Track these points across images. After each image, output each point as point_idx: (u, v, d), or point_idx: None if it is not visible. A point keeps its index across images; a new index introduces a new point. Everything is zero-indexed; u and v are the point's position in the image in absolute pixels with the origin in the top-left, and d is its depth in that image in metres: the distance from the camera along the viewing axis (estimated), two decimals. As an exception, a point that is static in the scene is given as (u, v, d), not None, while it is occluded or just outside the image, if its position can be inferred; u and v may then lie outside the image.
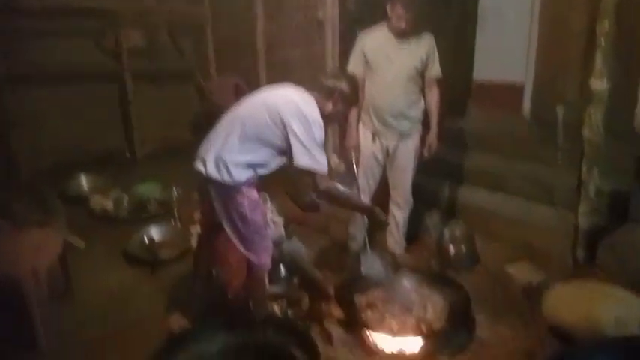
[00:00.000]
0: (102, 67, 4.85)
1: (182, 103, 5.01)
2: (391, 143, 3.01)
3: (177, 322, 2.50)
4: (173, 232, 3.52)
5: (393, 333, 2.33)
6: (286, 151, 2.18)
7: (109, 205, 3.93)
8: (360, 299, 2.57)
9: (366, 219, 3.00)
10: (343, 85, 2.28)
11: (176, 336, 2.30)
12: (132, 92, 4.93)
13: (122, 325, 2.58)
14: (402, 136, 3.00)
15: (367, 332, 2.35)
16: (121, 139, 5.10)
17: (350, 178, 3.06)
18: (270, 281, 2.66)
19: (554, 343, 2.28)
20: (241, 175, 2.15)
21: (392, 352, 2.30)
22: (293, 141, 2.12)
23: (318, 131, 2.16)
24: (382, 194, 3.22)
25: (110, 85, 4.93)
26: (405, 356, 2.29)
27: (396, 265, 2.96)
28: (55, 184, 4.19)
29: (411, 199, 3.18)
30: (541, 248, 3.10)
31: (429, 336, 2.30)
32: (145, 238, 3.31)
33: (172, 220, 3.74)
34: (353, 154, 3.04)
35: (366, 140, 3.05)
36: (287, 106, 2.16)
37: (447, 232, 3.25)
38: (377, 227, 2.46)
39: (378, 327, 2.37)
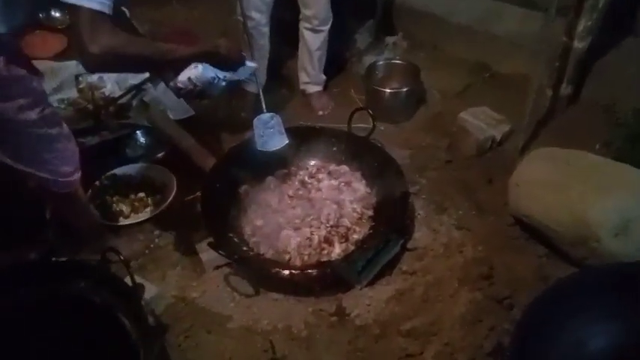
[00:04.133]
0: None
1: None
2: None
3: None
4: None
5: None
6: None
7: None
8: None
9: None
10: None
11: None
12: None
13: None
14: None
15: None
16: None
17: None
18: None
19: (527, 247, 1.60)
20: None
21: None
22: None
23: None
24: (284, 9, 2.10)
25: None
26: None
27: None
28: None
29: (329, 13, 2.09)
30: (510, 79, 2.22)
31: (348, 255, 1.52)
32: None
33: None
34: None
35: None
36: None
37: (380, 61, 2.26)
38: (231, 68, 1.39)
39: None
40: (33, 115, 1.21)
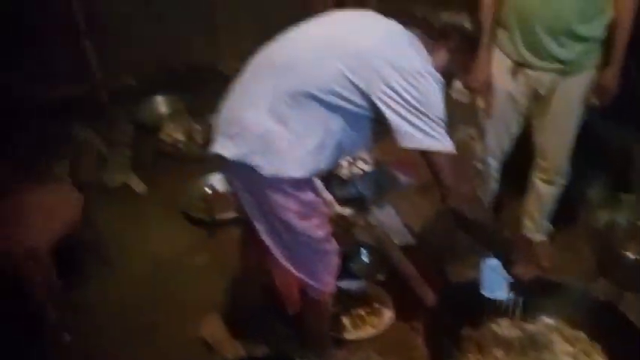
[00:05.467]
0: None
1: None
2: (544, 80, 1.88)
3: (212, 329, 1.88)
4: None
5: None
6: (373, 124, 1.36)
7: (180, 137, 3.36)
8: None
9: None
10: (465, 22, 1.38)
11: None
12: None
13: (151, 317, 2.05)
14: (566, 69, 1.84)
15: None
16: (210, 51, 4.43)
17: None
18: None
19: None
20: (293, 165, 1.30)
21: None
22: (394, 106, 1.26)
23: (435, 90, 1.29)
24: (521, 158, 2.16)
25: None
26: None
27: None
28: (129, 108, 3.69)
29: (567, 168, 2.08)
30: None
31: None
32: (206, 189, 2.69)
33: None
34: (479, 96, 1.99)
35: (501, 73, 1.93)
36: (380, 47, 1.29)
37: (620, 221, 2.12)
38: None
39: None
40: (321, 233, 1.42)
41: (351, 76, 1.26)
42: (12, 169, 2.18)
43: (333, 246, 1.49)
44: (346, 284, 2.05)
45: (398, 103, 1.26)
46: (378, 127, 1.38)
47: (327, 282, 1.52)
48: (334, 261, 1.52)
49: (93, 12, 3.63)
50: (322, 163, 1.34)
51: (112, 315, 2.07)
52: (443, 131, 1.31)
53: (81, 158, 3.10)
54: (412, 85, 1.26)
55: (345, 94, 1.28)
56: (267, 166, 1.28)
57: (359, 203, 2.44)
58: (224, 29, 4.19)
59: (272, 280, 1.68)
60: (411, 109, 1.26)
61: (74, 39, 3.65)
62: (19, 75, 3.41)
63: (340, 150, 1.37)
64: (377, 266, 2.15)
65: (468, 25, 1.40)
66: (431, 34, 1.36)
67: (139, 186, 2.94)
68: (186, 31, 4.20)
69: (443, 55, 1.39)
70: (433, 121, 1.28)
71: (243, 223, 1.67)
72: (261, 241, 1.48)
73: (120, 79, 3.96)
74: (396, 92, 1.25)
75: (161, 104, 3.82)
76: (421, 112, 1.27)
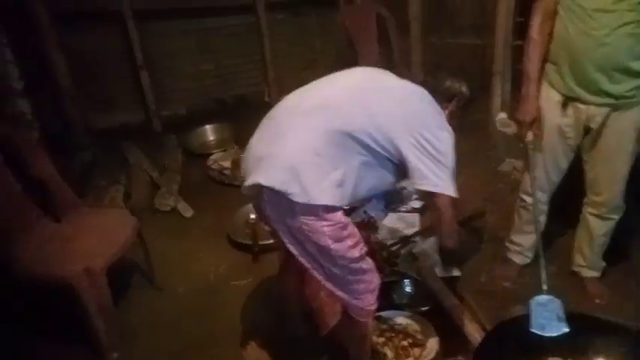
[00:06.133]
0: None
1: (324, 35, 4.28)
2: (595, 115, 1.85)
3: (254, 352, 1.91)
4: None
5: None
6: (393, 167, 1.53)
7: (226, 164, 3.47)
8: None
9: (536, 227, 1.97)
10: (464, 88, 1.68)
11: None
12: (265, 25, 4.25)
13: (196, 338, 2.11)
14: (618, 103, 1.81)
15: None
16: (257, 82, 4.59)
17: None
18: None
19: None
20: (324, 194, 1.38)
21: None
22: (417, 154, 1.46)
23: (450, 142, 1.51)
24: (571, 193, 2.11)
25: (245, 17, 4.32)
26: None
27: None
28: (180, 136, 3.86)
29: (621, 202, 2.02)
30: None
31: None
32: (251, 215, 2.75)
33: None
34: (529, 131, 1.97)
35: (550, 107, 1.93)
36: (411, 102, 1.52)
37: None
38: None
39: None
40: (356, 253, 1.47)
41: (385, 124, 1.44)
42: (73, 191, 2.29)
43: (369, 264, 1.53)
44: (389, 315, 2.03)
45: (421, 151, 1.45)
46: (397, 169, 1.54)
47: (368, 300, 1.55)
48: (374, 279, 1.55)
49: (150, 49, 3.89)
50: (347, 196, 1.46)
51: (159, 335, 2.13)
52: (451, 178, 1.49)
53: (134, 183, 3.25)
54: (435, 137, 1.46)
55: (377, 137, 1.44)
56: (300, 194, 1.38)
57: (370, 225, 2.45)
58: (271, 64, 4.36)
59: (309, 303, 1.71)
60: (430, 157, 1.45)
61: (132, 73, 3.90)
62: (85, 104, 3.67)
63: (362, 186, 1.50)
64: (420, 297, 2.13)
65: (465, 90, 1.68)
66: (439, 96, 1.60)
67: (187, 211, 3.05)
68: (235, 65, 4.40)
69: (447, 114, 1.62)
70: (447, 168, 1.47)
71: (280, 249, 1.75)
72: (298, 266, 1.55)
73: (172, 109, 4.17)
74: (421, 143, 1.44)
75: (209, 133, 3.99)
76: (438, 160, 1.46)
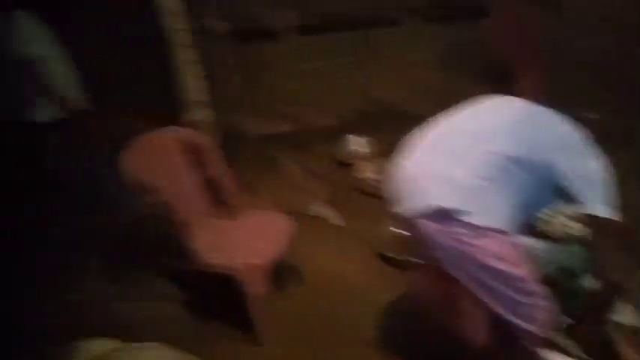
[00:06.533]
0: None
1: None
2: None
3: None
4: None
5: None
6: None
7: (373, 175, 3.53)
8: None
9: None
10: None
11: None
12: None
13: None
14: None
15: None
16: (403, 95, 4.60)
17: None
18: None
19: None
20: (498, 215, 1.44)
21: None
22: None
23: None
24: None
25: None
26: None
27: None
28: (330, 145, 4.01)
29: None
30: None
31: None
32: (398, 230, 2.76)
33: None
34: None
35: None
36: (560, 128, 1.56)
37: None
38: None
39: None
40: (519, 271, 1.47)
41: (545, 148, 1.50)
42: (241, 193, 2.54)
43: (539, 288, 1.49)
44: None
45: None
46: (558, 191, 1.54)
47: (539, 323, 1.49)
48: (545, 304, 1.51)
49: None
50: (517, 217, 1.48)
51: (303, 330, 2.27)
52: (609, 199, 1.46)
53: (286, 188, 3.47)
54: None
55: (540, 160, 1.48)
56: (478, 216, 1.42)
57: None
58: (414, 75, 4.35)
59: (461, 325, 1.68)
60: (585, 181, 1.46)
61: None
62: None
63: (528, 207, 1.55)
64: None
65: None
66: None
67: (335, 218, 3.17)
68: (380, 77, 4.48)
69: None
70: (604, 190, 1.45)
71: (429, 267, 1.75)
72: (450, 286, 1.57)
73: (323, 118, 4.37)
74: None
75: (358, 143, 4.07)
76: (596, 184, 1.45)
